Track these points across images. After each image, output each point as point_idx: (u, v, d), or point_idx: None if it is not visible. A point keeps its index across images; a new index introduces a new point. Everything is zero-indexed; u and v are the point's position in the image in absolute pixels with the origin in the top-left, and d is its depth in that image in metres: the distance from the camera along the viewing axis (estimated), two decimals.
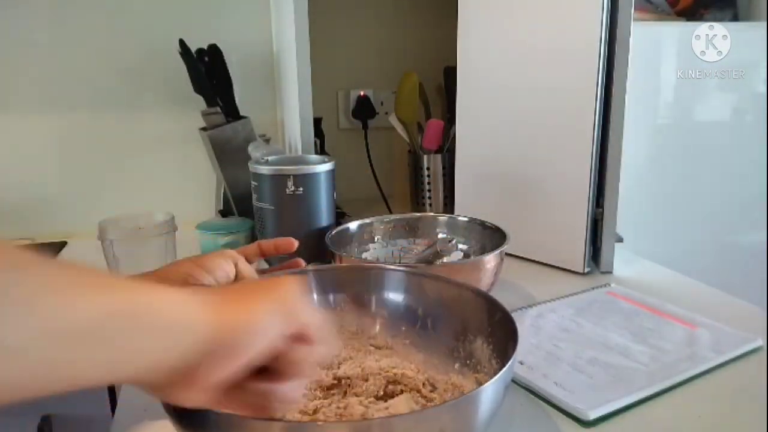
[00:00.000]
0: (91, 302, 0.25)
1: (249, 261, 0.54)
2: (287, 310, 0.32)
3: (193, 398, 0.30)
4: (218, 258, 0.50)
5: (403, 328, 0.55)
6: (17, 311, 0.23)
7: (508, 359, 0.39)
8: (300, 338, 0.32)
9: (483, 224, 0.80)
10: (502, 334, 0.45)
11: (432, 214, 0.90)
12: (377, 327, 0.56)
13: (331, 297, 0.57)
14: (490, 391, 0.36)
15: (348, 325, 0.56)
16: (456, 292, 0.53)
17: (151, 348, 0.27)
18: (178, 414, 0.36)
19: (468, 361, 0.50)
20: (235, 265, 0.51)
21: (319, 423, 0.42)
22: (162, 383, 0.29)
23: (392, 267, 0.59)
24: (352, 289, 0.57)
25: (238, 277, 0.51)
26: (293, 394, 0.33)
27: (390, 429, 0.34)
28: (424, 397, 0.48)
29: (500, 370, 0.37)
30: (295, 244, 0.56)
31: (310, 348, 0.33)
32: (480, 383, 0.45)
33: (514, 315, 0.46)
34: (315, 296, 0.56)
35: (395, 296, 0.56)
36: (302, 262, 0.58)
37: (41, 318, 0.23)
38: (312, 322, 0.33)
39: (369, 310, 0.56)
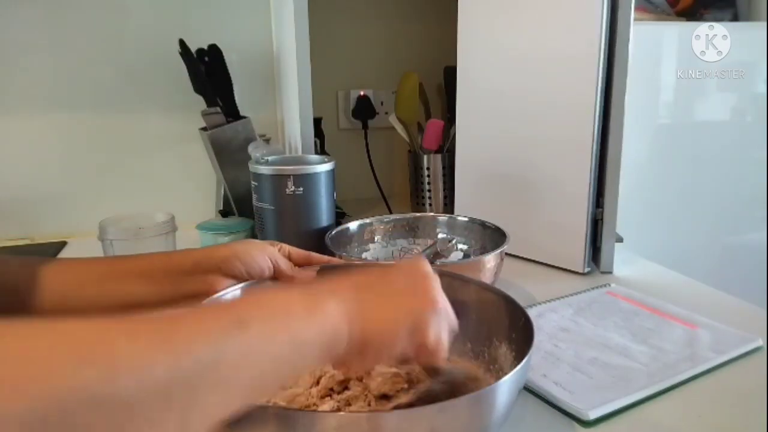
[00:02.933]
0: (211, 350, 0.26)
1: (294, 263, 0.55)
2: (422, 324, 0.34)
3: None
4: (256, 252, 0.50)
5: None
6: (126, 367, 0.23)
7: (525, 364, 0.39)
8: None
9: (483, 224, 0.80)
10: (524, 341, 0.45)
11: (432, 214, 0.90)
12: None
13: None
14: (491, 394, 0.37)
15: None
16: (484, 295, 0.53)
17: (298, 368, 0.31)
18: None
19: (491, 366, 0.50)
20: (274, 262, 0.52)
21: (330, 412, 0.42)
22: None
23: None
24: None
25: (276, 274, 0.52)
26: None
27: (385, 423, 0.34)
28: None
29: None
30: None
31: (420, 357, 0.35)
32: None
33: None
34: None
35: None
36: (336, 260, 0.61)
37: (138, 379, 0.23)
38: (436, 343, 0.34)
39: None
